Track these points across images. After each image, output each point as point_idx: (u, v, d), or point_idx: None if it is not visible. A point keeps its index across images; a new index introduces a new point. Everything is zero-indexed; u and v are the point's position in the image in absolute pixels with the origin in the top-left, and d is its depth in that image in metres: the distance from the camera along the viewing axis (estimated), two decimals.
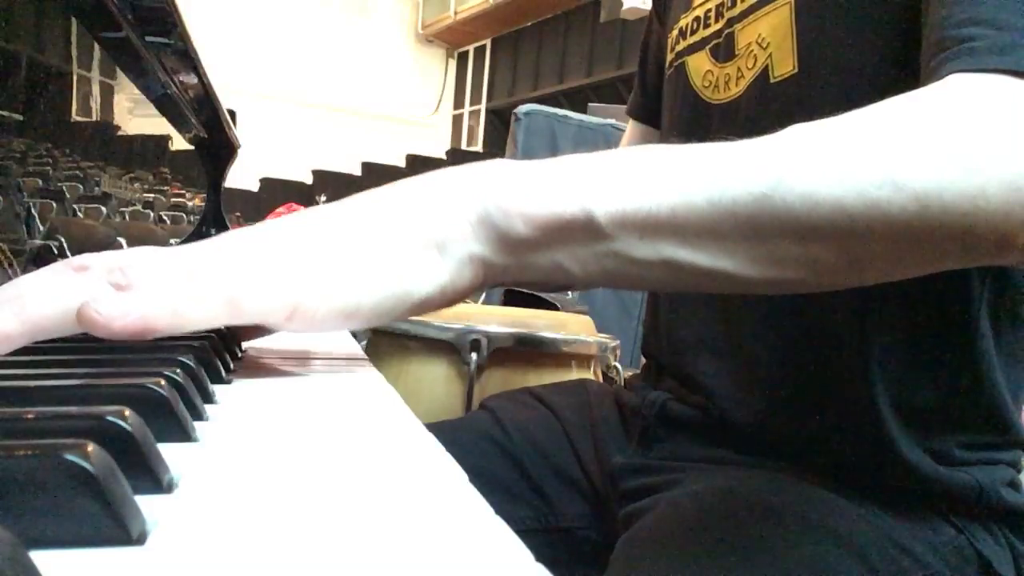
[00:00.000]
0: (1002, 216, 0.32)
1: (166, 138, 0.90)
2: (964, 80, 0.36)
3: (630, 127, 0.81)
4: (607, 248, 0.34)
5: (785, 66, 0.52)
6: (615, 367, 1.04)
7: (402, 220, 0.33)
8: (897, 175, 0.31)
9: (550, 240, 0.34)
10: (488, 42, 9.94)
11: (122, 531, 0.14)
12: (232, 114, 0.97)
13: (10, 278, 0.34)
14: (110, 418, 0.17)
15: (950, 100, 0.35)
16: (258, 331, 0.43)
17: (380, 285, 0.33)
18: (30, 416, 0.18)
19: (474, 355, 0.92)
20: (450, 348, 0.94)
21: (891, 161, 0.32)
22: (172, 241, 0.92)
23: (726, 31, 0.58)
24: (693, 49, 0.62)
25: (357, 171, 8.22)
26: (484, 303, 1.40)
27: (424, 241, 0.33)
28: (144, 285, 0.30)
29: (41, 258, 0.50)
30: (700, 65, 0.61)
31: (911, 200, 0.31)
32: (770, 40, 0.53)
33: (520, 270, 0.35)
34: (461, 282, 0.34)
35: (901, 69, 0.45)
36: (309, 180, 8.01)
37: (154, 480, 0.17)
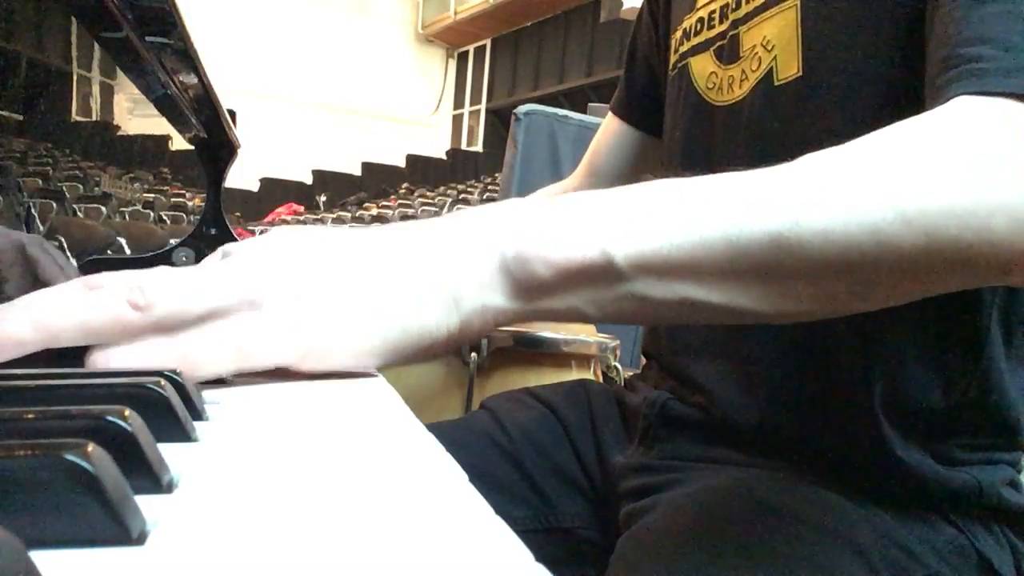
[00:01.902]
0: (1007, 244, 0.33)
1: (166, 138, 0.90)
2: (970, 104, 0.36)
3: (609, 122, 0.81)
4: (624, 290, 0.34)
5: (790, 69, 0.52)
6: (615, 367, 1.04)
7: (420, 270, 0.34)
8: (907, 211, 0.32)
9: (568, 284, 0.34)
10: (488, 42, 9.95)
11: (122, 531, 0.14)
12: (232, 114, 0.97)
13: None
14: (110, 418, 0.17)
15: (956, 128, 0.35)
16: None
17: (396, 331, 0.33)
18: (30, 416, 0.18)
19: (474, 355, 0.92)
20: None
21: (900, 197, 0.32)
22: (172, 241, 0.92)
23: (730, 33, 0.58)
24: (697, 50, 0.62)
25: (357, 171, 8.22)
26: None
27: (441, 293, 0.34)
28: (158, 309, 0.30)
29: None
30: (704, 67, 0.61)
31: (920, 235, 0.32)
32: (775, 42, 0.53)
33: (534, 313, 0.35)
34: (469, 330, 0.35)
35: (906, 73, 0.45)
36: (309, 180, 8.01)
37: (154, 480, 0.17)
